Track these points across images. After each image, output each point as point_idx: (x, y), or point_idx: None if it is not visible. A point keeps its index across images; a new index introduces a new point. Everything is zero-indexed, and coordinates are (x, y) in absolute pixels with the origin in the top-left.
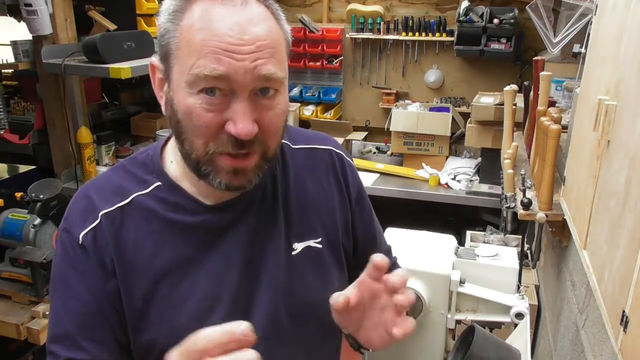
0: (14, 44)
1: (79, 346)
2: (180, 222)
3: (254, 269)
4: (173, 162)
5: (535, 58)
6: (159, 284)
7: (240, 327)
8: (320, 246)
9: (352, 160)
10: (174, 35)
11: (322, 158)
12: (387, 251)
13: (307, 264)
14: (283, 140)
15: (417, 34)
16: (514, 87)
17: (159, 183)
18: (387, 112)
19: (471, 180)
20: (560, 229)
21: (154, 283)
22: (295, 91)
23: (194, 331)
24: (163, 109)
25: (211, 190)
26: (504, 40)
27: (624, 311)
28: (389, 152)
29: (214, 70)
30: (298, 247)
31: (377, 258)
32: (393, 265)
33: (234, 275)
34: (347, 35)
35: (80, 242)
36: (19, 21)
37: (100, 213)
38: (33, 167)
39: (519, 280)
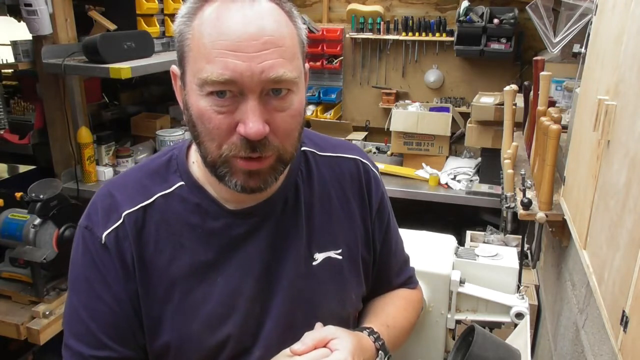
0: (14, 44)
1: (103, 344)
2: (201, 226)
3: (272, 277)
4: (195, 163)
5: (535, 58)
6: (175, 289)
7: None
8: (340, 257)
9: (377, 169)
10: (187, 37)
11: (347, 167)
12: (404, 262)
13: (326, 275)
14: (309, 148)
15: (417, 34)
16: (514, 87)
17: (182, 183)
18: (387, 112)
19: (471, 180)
20: (560, 229)
21: (171, 287)
22: None
23: (207, 337)
24: (183, 113)
25: (232, 194)
26: (504, 40)
27: (624, 311)
28: (389, 152)
29: (220, 75)
30: (319, 257)
31: None
32: (408, 279)
33: (251, 283)
34: (347, 35)
35: (103, 242)
36: (19, 21)
37: (124, 213)
38: (33, 167)
39: (519, 280)
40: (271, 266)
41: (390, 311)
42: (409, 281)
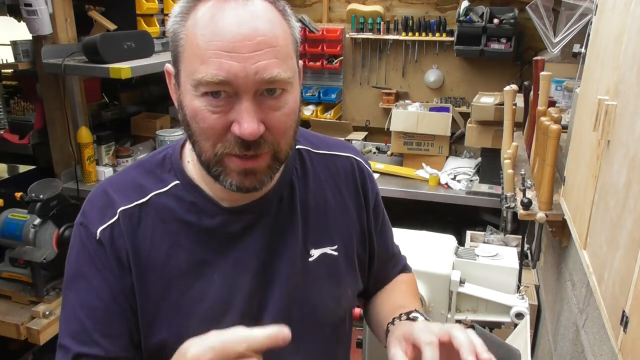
0: (14, 44)
1: (93, 341)
2: (197, 224)
3: (268, 273)
4: (190, 162)
5: (535, 58)
6: (172, 286)
7: (283, 335)
8: (336, 254)
9: (370, 167)
10: (181, 37)
11: (342, 165)
12: (398, 253)
13: (322, 271)
14: (304, 146)
15: (417, 34)
16: (514, 87)
17: (177, 182)
18: (387, 112)
19: (471, 180)
20: (560, 229)
21: (167, 284)
22: None
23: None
24: (178, 113)
25: (227, 193)
26: (504, 40)
27: (624, 311)
28: (389, 152)
29: (215, 76)
30: (315, 253)
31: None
32: (403, 268)
33: (248, 280)
34: (347, 35)
35: (97, 238)
36: (19, 21)
37: (119, 210)
38: (33, 167)
39: (519, 280)
40: (267, 263)
41: (398, 298)
42: (404, 269)
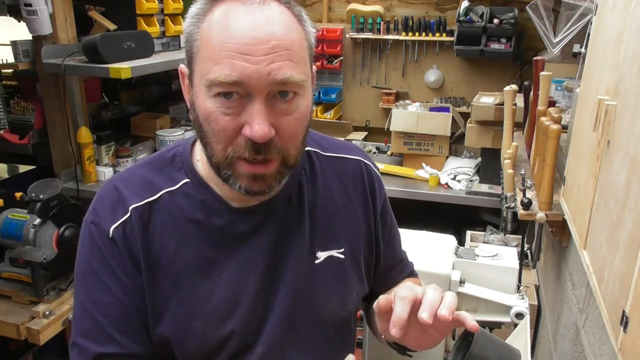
0: (14, 44)
1: (109, 338)
2: (205, 223)
3: (275, 274)
4: (200, 161)
5: (535, 58)
6: (179, 284)
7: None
8: (342, 257)
9: (378, 170)
10: (196, 39)
11: (350, 168)
12: (405, 259)
13: (329, 273)
14: (312, 148)
15: (417, 34)
16: (514, 87)
17: (187, 180)
18: (387, 112)
19: (471, 180)
20: (560, 229)
21: (175, 282)
22: None
23: (211, 333)
24: (190, 113)
25: (236, 193)
26: (504, 40)
27: (624, 311)
28: (389, 152)
29: (228, 76)
30: (321, 256)
31: (424, 315)
32: (410, 274)
33: (255, 280)
34: (347, 35)
35: (110, 236)
36: (19, 21)
37: (131, 207)
38: (33, 167)
39: (519, 280)
40: (274, 264)
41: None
42: (410, 275)
